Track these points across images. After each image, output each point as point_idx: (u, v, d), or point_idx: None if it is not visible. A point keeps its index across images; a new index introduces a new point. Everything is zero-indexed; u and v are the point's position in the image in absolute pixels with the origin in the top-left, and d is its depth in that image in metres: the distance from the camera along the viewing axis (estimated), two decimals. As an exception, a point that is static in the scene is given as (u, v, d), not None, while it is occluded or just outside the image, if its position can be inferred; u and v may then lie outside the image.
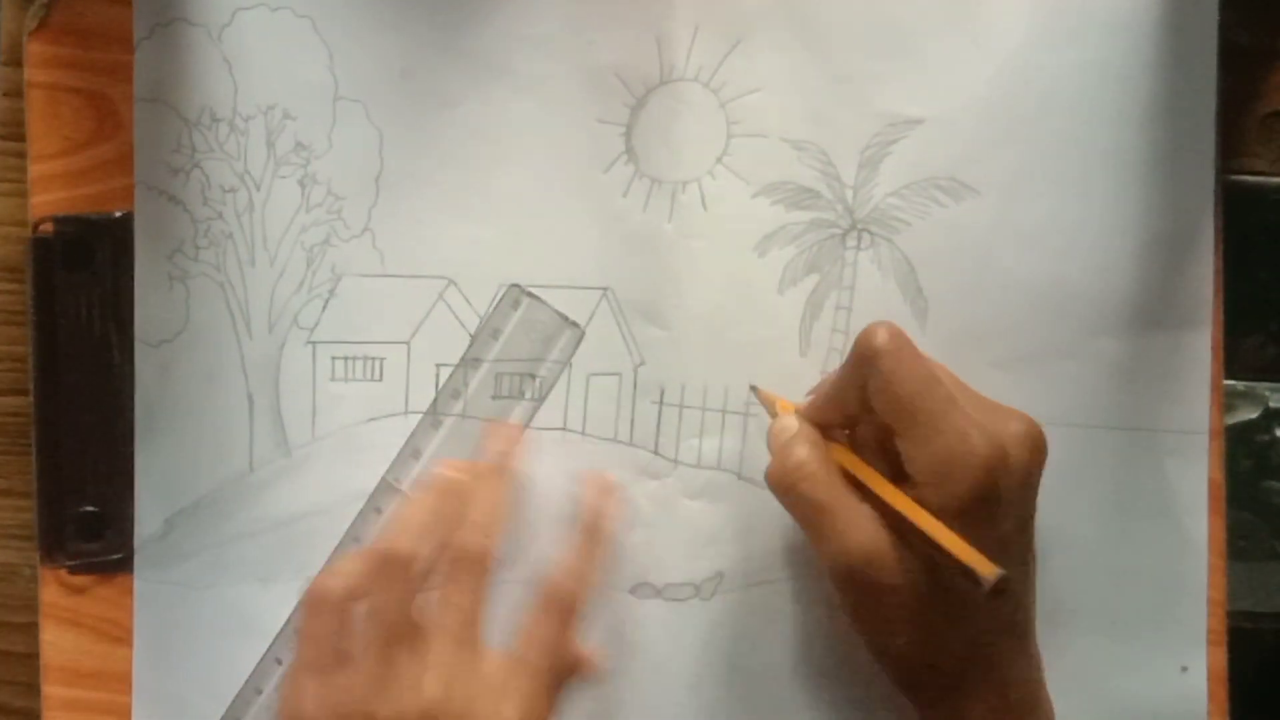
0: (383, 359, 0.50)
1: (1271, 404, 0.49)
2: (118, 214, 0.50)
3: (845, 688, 0.49)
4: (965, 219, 0.48)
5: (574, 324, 0.50)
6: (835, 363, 0.49)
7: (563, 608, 0.47)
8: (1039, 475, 0.43)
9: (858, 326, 0.48)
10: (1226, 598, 0.48)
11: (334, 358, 0.50)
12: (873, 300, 0.49)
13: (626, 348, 0.50)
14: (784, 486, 0.44)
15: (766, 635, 0.49)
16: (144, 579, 0.50)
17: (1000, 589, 0.40)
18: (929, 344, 0.48)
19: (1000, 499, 0.41)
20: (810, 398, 0.47)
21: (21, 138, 0.50)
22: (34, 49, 0.50)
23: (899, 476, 0.43)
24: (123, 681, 0.50)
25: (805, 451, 0.44)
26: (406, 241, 0.50)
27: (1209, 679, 0.48)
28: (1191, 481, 0.48)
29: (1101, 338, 0.48)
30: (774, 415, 0.47)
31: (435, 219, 0.50)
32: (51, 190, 0.50)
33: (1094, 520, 0.49)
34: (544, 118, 0.50)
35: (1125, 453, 0.49)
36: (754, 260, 0.49)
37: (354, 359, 0.50)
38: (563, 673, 0.47)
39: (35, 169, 0.50)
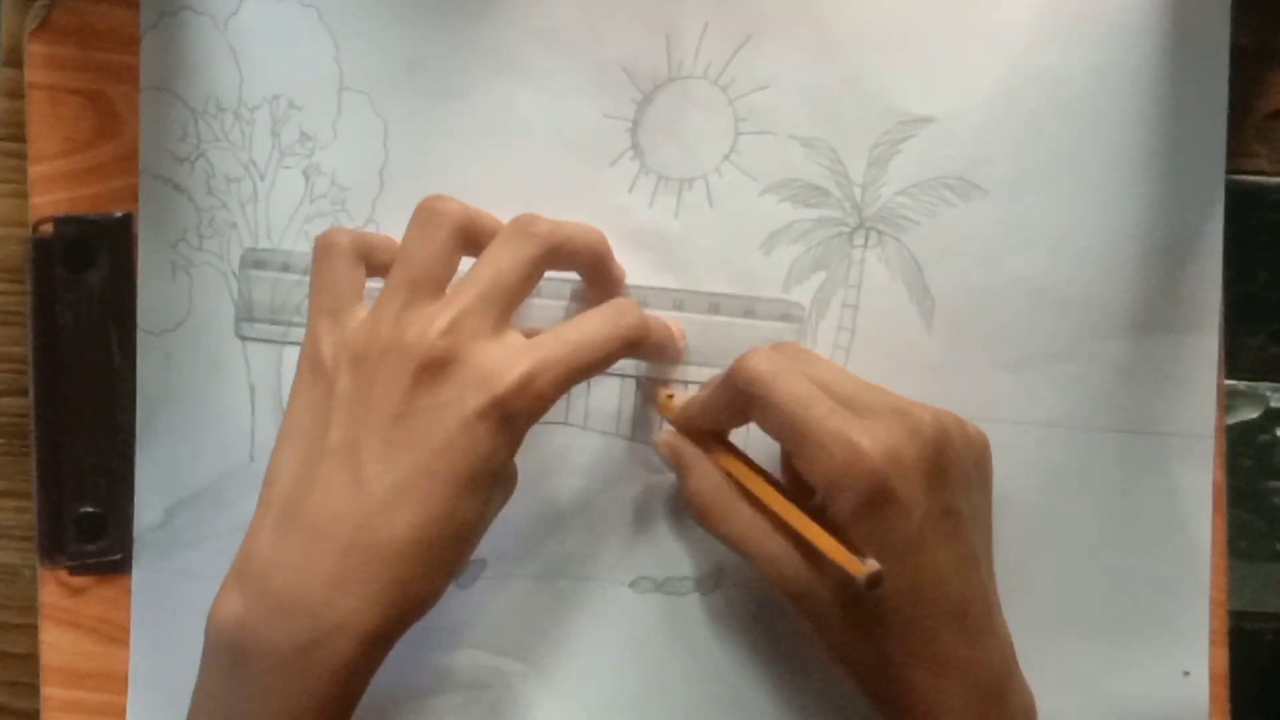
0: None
1: (1272, 404, 0.49)
2: (118, 215, 0.50)
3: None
4: (973, 219, 0.48)
5: None
6: (841, 361, 0.49)
7: (624, 326, 0.45)
8: (953, 469, 0.43)
9: (864, 325, 0.49)
10: (1227, 598, 0.49)
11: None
12: (879, 299, 0.49)
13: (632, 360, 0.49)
14: (695, 521, 0.46)
15: (766, 630, 0.49)
16: (143, 569, 0.50)
17: (875, 584, 0.40)
18: (935, 343, 0.48)
19: (898, 500, 0.41)
20: (691, 399, 0.47)
21: (22, 138, 0.50)
22: (34, 50, 0.50)
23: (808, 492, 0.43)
24: (122, 682, 0.50)
25: (700, 485, 0.46)
26: (411, 235, 0.50)
27: (1210, 680, 0.48)
28: (1196, 485, 0.49)
29: (1108, 340, 0.48)
30: (661, 414, 0.48)
31: (440, 211, 0.50)
32: (52, 191, 0.50)
33: (1097, 523, 0.49)
34: (550, 112, 0.49)
35: (1129, 456, 0.49)
36: (760, 258, 0.49)
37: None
38: (590, 369, 0.45)
39: (35, 169, 0.50)
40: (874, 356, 0.49)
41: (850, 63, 0.49)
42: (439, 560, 0.43)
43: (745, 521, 0.45)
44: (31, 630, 0.51)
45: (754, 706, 0.49)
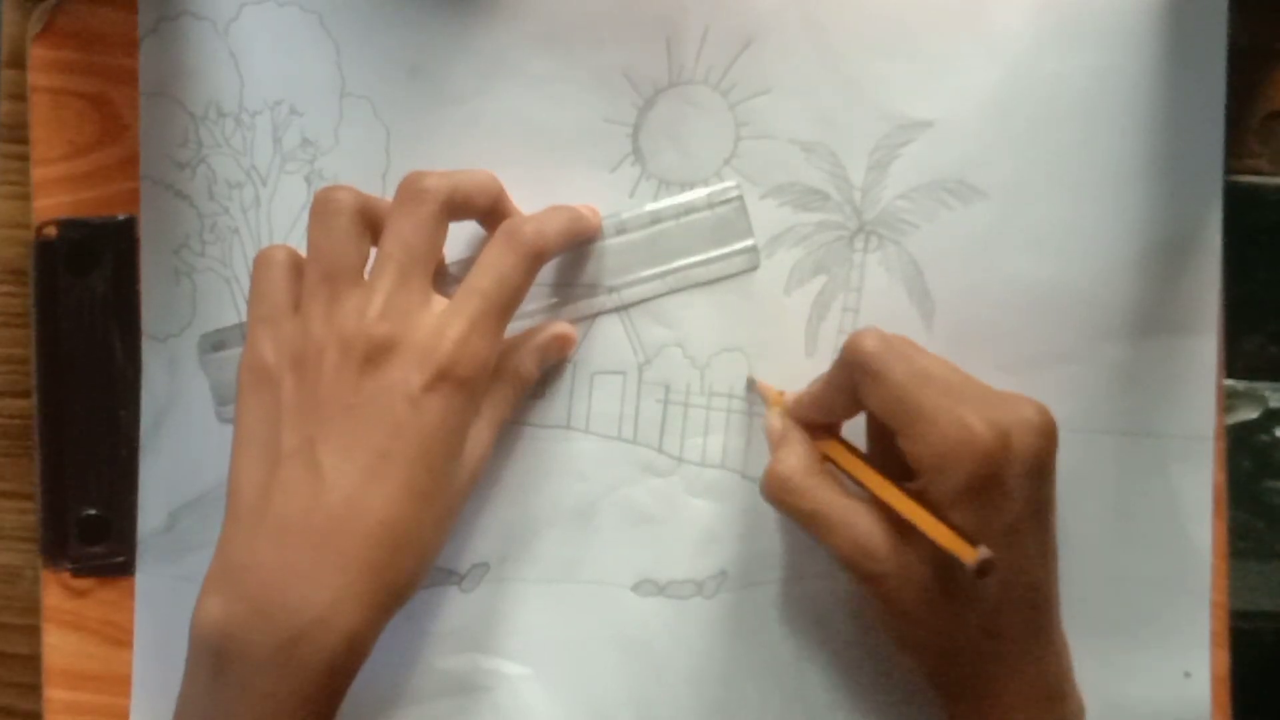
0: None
1: (1272, 404, 0.49)
2: (121, 218, 0.50)
3: (849, 686, 0.49)
4: (973, 222, 0.49)
5: None
6: (841, 364, 0.49)
7: (519, 242, 0.46)
8: (1051, 462, 0.43)
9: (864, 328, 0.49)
10: (1228, 599, 0.49)
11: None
12: (880, 302, 0.49)
13: (631, 346, 0.49)
14: (774, 500, 0.45)
15: (769, 634, 0.49)
16: (147, 573, 0.50)
17: (985, 571, 0.40)
18: (935, 346, 0.48)
19: (1004, 485, 0.41)
20: (803, 391, 0.47)
21: (26, 140, 0.50)
22: (37, 53, 0.50)
23: (906, 475, 0.43)
24: (125, 684, 0.50)
25: (791, 462, 0.45)
26: (412, 239, 0.50)
27: (1211, 681, 0.48)
28: (1196, 487, 0.49)
29: (1107, 342, 0.48)
30: (769, 406, 0.48)
31: (441, 216, 0.50)
32: (55, 194, 0.50)
33: (1097, 525, 0.49)
34: (551, 117, 0.50)
35: (1130, 458, 0.49)
36: (761, 261, 0.49)
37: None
38: (511, 308, 0.46)
39: (38, 172, 0.50)
40: (874, 360, 0.49)
41: (850, 67, 0.49)
42: (413, 543, 0.43)
43: (830, 500, 0.44)
44: (33, 631, 0.51)
45: (757, 709, 0.49)
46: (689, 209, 0.49)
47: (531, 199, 0.49)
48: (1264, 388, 0.50)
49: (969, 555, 0.40)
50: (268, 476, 0.43)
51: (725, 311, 0.49)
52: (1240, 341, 0.49)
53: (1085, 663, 0.47)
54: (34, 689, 0.51)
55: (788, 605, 0.49)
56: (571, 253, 0.50)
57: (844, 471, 0.45)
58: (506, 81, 0.49)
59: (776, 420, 0.47)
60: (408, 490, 0.43)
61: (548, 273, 0.50)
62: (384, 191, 0.49)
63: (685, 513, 0.50)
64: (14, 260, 0.51)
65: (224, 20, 0.49)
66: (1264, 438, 0.49)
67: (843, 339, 0.49)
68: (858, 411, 0.45)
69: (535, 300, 0.49)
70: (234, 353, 0.50)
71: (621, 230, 0.49)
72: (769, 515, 0.49)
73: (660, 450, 0.50)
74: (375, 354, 0.43)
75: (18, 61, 0.51)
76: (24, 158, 0.50)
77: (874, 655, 0.49)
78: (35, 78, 0.50)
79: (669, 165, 0.50)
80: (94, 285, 0.50)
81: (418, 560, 0.44)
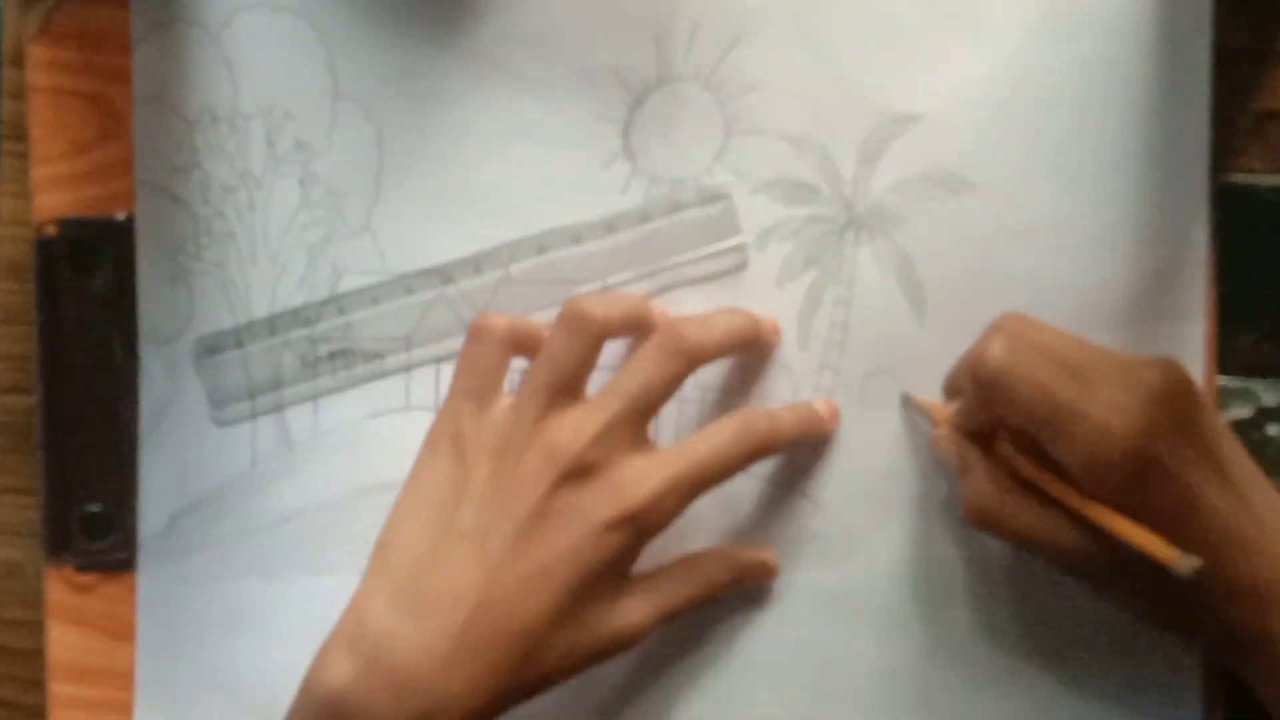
0: (383, 356, 0.50)
1: (1264, 402, 0.49)
2: (121, 216, 0.51)
3: (850, 687, 0.49)
4: (963, 214, 0.49)
5: None
6: (833, 357, 0.49)
7: (753, 433, 0.47)
8: (1194, 414, 0.42)
9: (856, 321, 0.49)
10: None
11: (334, 354, 0.50)
12: (871, 295, 0.49)
13: (625, 343, 0.50)
14: (980, 529, 0.45)
15: (769, 632, 0.49)
16: (148, 575, 0.51)
17: (1197, 578, 0.39)
18: (928, 338, 0.48)
19: (1159, 463, 0.41)
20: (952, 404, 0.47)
21: (27, 138, 0.51)
22: (36, 53, 0.50)
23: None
24: (128, 679, 0.51)
25: (983, 490, 0.44)
26: (406, 239, 0.50)
27: (1205, 679, 0.48)
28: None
29: (1097, 331, 0.48)
30: (935, 424, 0.47)
31: (435, 217, 0.50)
32: (55, 193, 0.51)
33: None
34: (542, 116, 0.50)
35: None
36: (753, 255, 0.49)
37: (355, 355, 0.50)
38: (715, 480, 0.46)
39: (38, 172, 0.50)
40: (867, 352, 0.49)
41: (839, 62, 0.49)
42: (542, 660, 0.44)
43: (1035, 518, 0.44)
44: (35, 625, 0.51)
45: (759, 708, 0.50)
46: (678, 207, 0.50)
47: (523, 198, 0.50)
48: (1257, 385, 0.49)
49: (1181, 565, 0.39)
50: (433, 547, 0.44)
51: (718, 307, 0.49)
52: (1233, 339, 0.49)
53: (1081, 658, 0.47)
54: (36, 683, 0.51)
55: (788, 603, 0.49)
56: (563, 252, 0.50)
57: (1024, 480, 0.44)
58: (496, 81, 0.50)
59: (949, 444, 0.46)
60: (557, 609, 0.44)
61: (542, 272, 0.50)
62: (376, 193, 0.50)
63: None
64: (15, 257, 0.52)
65: (217, 26, 0.50)
66: (1256, 435, 0.49)
67: (835, 332, 0.49)
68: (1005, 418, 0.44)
69: (532, 302, 0.50)
70: (228, 357, 0.51)
71: (611, 229, 0.50)
72: (765, 509, 0.50)
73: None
74: (578, 473, 0.44)
75: (20, 60, 0.51)
76: (26, 156, 0.51)
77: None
78: (34, 77, 0.50)
79: (660, 162, 0.50)
80: (95, 284, 0.51)
81: (543, 674, 0.44)
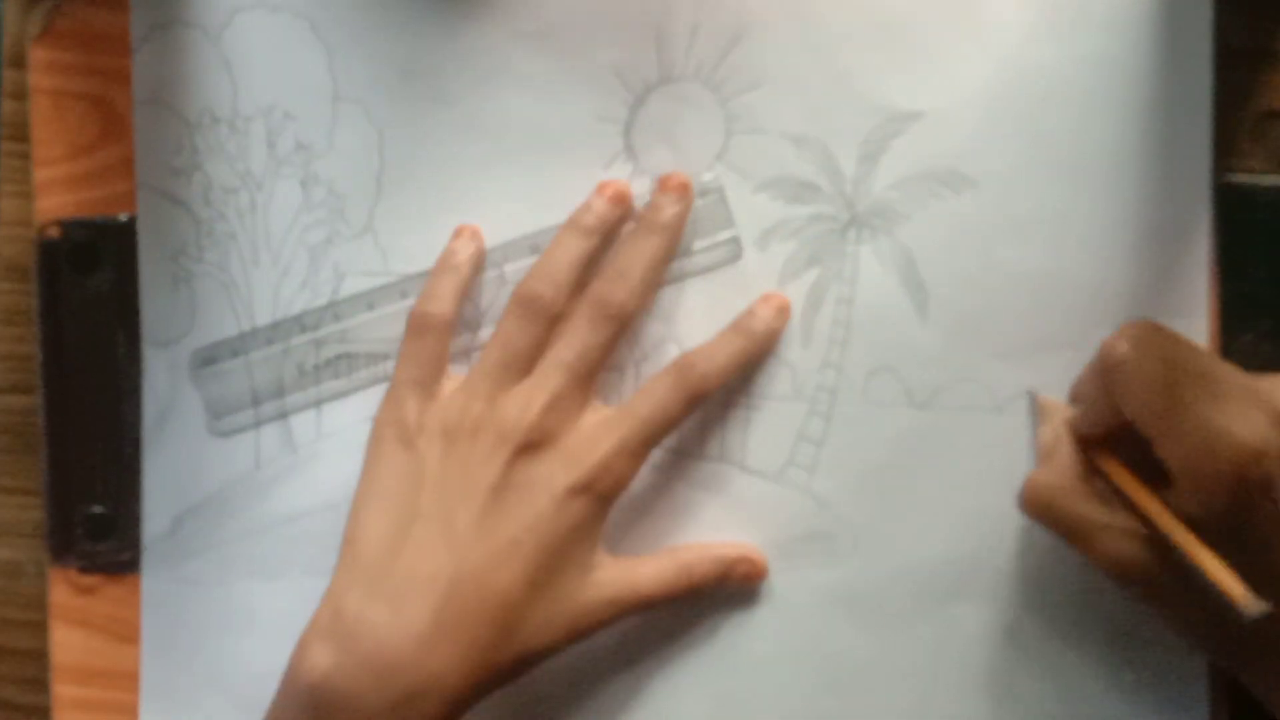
0: (386, 356, 0.50)
1: (1266, 399, 0.49)
2: (123, 218, 0.51)
3: (851, 685, 0.49)
4: (964, 212, 0.49)
5: None
6: (836, 355, 0.49)
7: (687, 380, 0.47)
8: None
9: (859, 319, 0.49)
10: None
11: (338, 355, 0.50)
12: (873, 293, 0.49)
13: (626, 343, 0.50)
14: (1026, 510, 0.45)
15: (769, 631, 0.49)
16: (152, 577, 0.51)
17: (1266, 623, 0.38)
18: (930, 335, 0.48)
19: (1271, 486, 0.39)
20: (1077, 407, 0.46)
21: (29, 138, 0.51)
22: (38, 54, 0.50)
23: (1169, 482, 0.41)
24: (133, 680, 0.51)
25: (1050, 473, 0.45)
26: (408, 240, 0.50)
27: (1212, 680, 0.48)
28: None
29: (1099, 328, 0.48)
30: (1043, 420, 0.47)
31: (436, 217, 0.50)
32: (57, 194, 0.51)
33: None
34: (543, 116, 0.50)
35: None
36: (755, 254, 0.49)
37: (357, 356, 0.50)
38: (661, 438, 0.47)
39: (40, 173, 0.50)
40: (869, 350, 0.49)
41: (839, 60, 0.49)
42: (523, 632, 0.45)
43: (1100, 518, 0.43)
44: (36, 626, 0.51)
45: (760, 706, 0.50)
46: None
47: (525, 199, 0.50)
48: (1257, 384, 0.49)
49: (1249, 605, 0.38)
50: (398, 534, 0.45)
51: (720, 306, 0.49)
52: (1234, 339, 0.49)
53: (1083, 660, 0.47)
54: (37, 684, 0.51)
55: (788, 602, 0.49)
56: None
57: (1113, 487, 0.43)
58: (497, 81, 0.50)
59: (1049, 434, 0.46)
60: (529, 580, 0.44)
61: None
62: (377, 193, 0.50)
63: (681, 506, 0.50)
64: (17, 257, 0.52)
65: (216, 27, 0.50)
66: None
67: (837, 330, 0.49)
68: (1121, 420, 0.43)
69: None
70: (225, 366, 0.51)
71: None
72: (767, 510, 0.49)
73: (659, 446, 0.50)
74: (532, 446, 0.46)
75: (21, 62, 0.51)
76: (28, 156, 0.51)
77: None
78: (35, 79, 0.50)
79: (661, 162, 0.50)
80: (97, 285, 0.51)
81: (522, 649, 0.45)
